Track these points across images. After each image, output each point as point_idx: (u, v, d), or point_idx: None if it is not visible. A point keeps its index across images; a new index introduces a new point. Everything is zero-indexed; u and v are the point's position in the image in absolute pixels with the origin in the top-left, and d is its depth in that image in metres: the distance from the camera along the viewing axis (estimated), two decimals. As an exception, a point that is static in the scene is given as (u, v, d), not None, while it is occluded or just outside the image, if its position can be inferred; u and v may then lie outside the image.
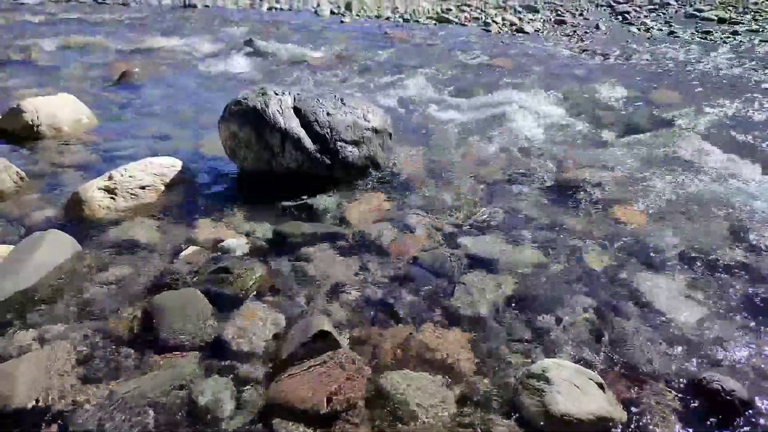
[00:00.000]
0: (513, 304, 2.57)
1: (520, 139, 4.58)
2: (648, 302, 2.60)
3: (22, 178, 3.50)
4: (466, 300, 2.57)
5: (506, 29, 10.52)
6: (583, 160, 4.17)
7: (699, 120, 5.15)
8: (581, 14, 12.54)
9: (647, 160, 4.19)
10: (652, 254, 3.00)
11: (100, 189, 3.24)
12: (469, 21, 11.52)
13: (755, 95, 5.99)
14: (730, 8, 13.05)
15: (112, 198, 3.24)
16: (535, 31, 10.36)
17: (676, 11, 12.76)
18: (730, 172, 3.96)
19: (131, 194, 3.32)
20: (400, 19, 11.60)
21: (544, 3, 14.02)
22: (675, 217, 3.38)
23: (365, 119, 3.76)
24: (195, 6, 12.83)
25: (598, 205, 3.50)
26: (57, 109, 4.43)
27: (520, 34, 10.07)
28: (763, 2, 14.14)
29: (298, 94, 3.70)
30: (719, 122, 5.12)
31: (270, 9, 13.00)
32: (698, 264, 2.92)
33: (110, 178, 3.31)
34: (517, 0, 14.68)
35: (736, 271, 2.86)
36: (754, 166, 4.05)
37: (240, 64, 7.01)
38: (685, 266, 2.90)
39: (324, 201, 3.44)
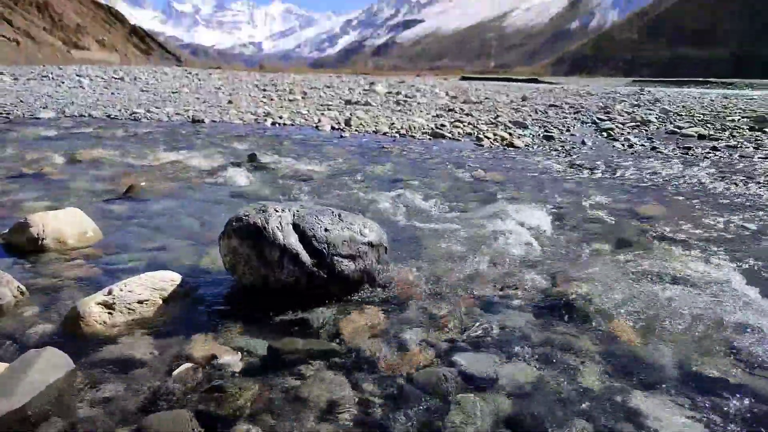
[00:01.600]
0: (509, 426, 2.53)
1: (513, 252, 4.71)
2: (645, 424, 2.56)
3: (22, 293, 3.56)
4: (461, 421, 2.53)
5: (498, 144, 11.10)
6: (574, 273, 4.26)
7: (685, 234, 5.33)
8: (568, 130, 13.28)
9: (637, 273, 4.28)
10: (647, 372, 2.99)
11: (98, 304, 3.28)
12: (462, 136, 12.16)
13: (739, 209, 6.23)
14: (709, 125, 13.84)
15: (109, 313, 3.28)
16: (525, 145, 10.92)
17: (657, 128, 13.52)
18: (720, 287, 4.03)
19: (129, 309, 3.36)
20: (397, 134, 12.26)
21: (533, 119, 14.88)
22: (668, 333, 3.40)
23: (361, 234, 3.89)
24: (203, 121, 13.61)
25: (591, 320, 3.53)
26: (63, 223, 4.57)
27: (510, 149, 10.61)
28: (739, 120, 15.02)
29: (297, 211, 3.86)
30: (705, 236, 5.28)
31: (273, 124, 13.78)
32: (695, 382, 2.90)
33: (109, 292, 3.36)
34: (507, 117, 15.58)
35: (734, 388, 2.84)
36: (742, 280, 4.14)
37: (243, 178, 7.33)
38: (682, 384, 2.88)
39: (319, 316, 3.48)
